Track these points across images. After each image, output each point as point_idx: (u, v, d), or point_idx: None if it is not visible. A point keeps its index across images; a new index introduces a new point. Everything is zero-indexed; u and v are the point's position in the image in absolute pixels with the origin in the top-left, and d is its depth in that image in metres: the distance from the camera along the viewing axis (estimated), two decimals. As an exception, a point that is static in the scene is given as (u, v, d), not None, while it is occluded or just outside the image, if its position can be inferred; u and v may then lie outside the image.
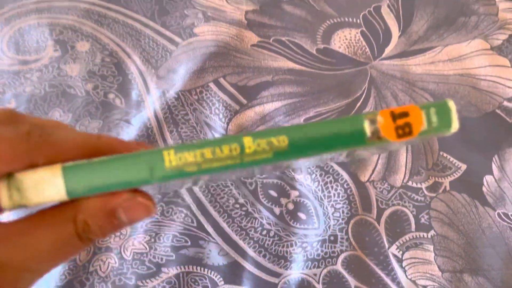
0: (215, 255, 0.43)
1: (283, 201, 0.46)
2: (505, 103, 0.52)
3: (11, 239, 0.16)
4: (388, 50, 0.57)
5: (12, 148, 0.16)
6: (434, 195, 0.47)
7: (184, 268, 0.43)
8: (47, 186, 0.17)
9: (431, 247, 0.44)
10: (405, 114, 0.17)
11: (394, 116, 0.17)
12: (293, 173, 0.47)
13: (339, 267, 0.43)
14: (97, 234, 0.18)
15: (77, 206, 0.17)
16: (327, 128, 0.17)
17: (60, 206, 0.18)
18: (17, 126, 0.17)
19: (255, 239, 0.44)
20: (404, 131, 0.17)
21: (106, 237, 0.20)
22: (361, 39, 0.57)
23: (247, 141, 0.17)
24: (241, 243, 0.44)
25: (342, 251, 0.43)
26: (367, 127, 0.17)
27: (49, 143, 0.17)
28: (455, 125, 0.18)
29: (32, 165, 0.17)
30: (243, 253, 0.44)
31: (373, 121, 0.17)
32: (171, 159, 0.17)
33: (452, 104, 0.18)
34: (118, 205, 0.18)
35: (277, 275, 0.43)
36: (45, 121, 0.19)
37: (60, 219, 0.17)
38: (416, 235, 0.45)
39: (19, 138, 0.16)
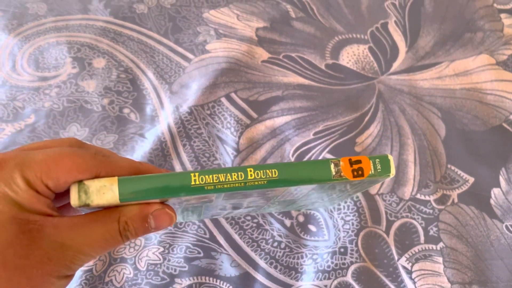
0: (227, 266, 0.44)
1: (294, 213, 0.47)
2: (512, 117, 0.53)
3: (74, 228, 0.22)
4: (395, 65, 0.58)
5: (85, 163, 0.22)
6: (442, 207, 0.47)
7: (197, 279, 0.43)
8: (106, 191, 0.22)
9: (440, 259, 0.45)
10: (359, 162, 0.24)
11: (351, 162, 0.24)
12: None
13: (349, 278, 0.44)
14: (132, 234, 0.24)
15: (120, 210, 0.23)
16: (306, 167, 0.24)
17: (108, 210, 0.23)
18: (87, 149, 0.24)
19: (266, 250, 0.45)
20: (358, 173, 0.24)
21: (138, 237, 0.28)
22: (369, 54, 0.59)
23: (250, 170, 0.23)
24: (252, 254, 0.45)
25: (352, 263, 0.44)
26: (333, 168, 0.24)
27: (108, 163, 0.23)
28: (393, 172, 0.24)
29: (96, 176, 0.23)
30: (254, 265, 0.44)
31: (336, 164, 0.24)
32: (196, 179, 0.22)
33: (391, 157, 0.24)
34: (150, 213, 0.24)
35: (288, 286, 0.43)
36: (103, 148, 0.27)
37: (108, 218, 0.23)
38: (425, 247, 0.45)
39: (89, 156, 0.23)
